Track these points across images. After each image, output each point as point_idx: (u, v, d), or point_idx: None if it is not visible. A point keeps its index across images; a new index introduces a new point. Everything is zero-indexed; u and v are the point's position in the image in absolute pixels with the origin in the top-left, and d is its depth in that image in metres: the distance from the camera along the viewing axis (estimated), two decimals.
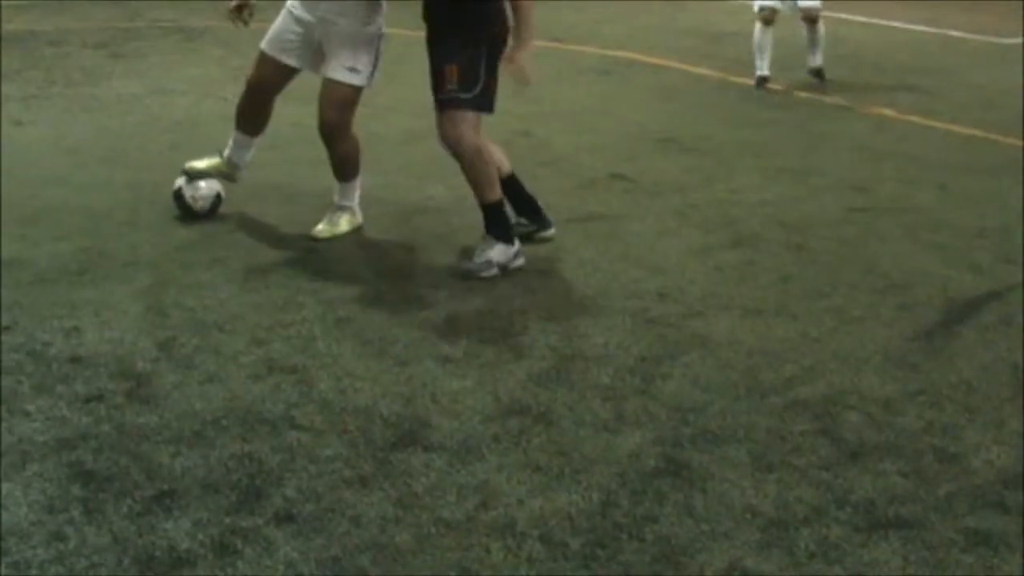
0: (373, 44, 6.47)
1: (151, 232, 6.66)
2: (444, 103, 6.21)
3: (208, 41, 11.86)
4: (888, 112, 10.21)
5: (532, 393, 4.89)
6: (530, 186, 6.84)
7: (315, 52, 6.52)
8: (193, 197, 6.80)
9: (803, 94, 10.88)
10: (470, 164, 6.28)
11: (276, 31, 6.58)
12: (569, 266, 6.35)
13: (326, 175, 6.78)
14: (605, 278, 6.21)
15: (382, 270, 6.25)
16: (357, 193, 6.82)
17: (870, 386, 5.07)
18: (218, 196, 6.84)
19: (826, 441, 4.58)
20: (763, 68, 11.40)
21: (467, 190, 6.44)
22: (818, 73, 11.62)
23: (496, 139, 8.74)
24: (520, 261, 6.30)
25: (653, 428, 4.64)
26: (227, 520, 3.94)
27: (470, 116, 6.20)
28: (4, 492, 4.05)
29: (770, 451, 4.49)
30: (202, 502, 4.04)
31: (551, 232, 6.75)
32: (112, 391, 4.78)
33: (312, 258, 6.38)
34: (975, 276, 6.43)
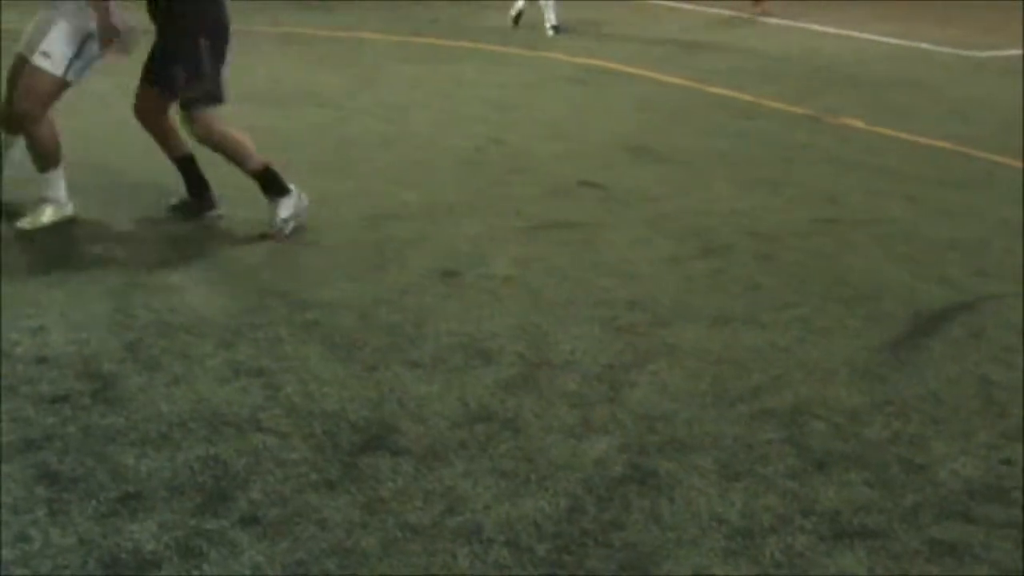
0: (73, 38, 6.50)
1: (120, 234, 6.64)
2: (183, 105, 6.68)
3: None
4: (859, 124, 10.26)
5: (500, 399, 4.89)
6: (498, 192, 6.84)
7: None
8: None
9: (775, 105, 10.91)
10: (224, 152, 6.77)
11: None
12: (539, 273, 6.35)
13: (302, 176, 6.78)
14: (575, 285, 6.21)
15: (351, 274, 6.23)
16: (62, 184, 6.73)
17: (837, 396, 5.08)
18: None
19: (793, 450, 4.59)
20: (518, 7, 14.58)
21: (441, 196, 6.45)
22: (556, 29, 14.28)
23: (470, 145, 8.83)
24: (306, 202, 6.80)
25: (620, 435, 4.64)
26: (192, 522, 3.92)
27: (208, 112, 6.67)
28: None
29: (737, 460, 4.50)
30: (167, 504, 4.01)
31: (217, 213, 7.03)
32: (78, 392, 4.75)
33: (280, 261, 6.37)
34: (944, 288, 6.46)
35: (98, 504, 4.00)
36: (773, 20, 16.28)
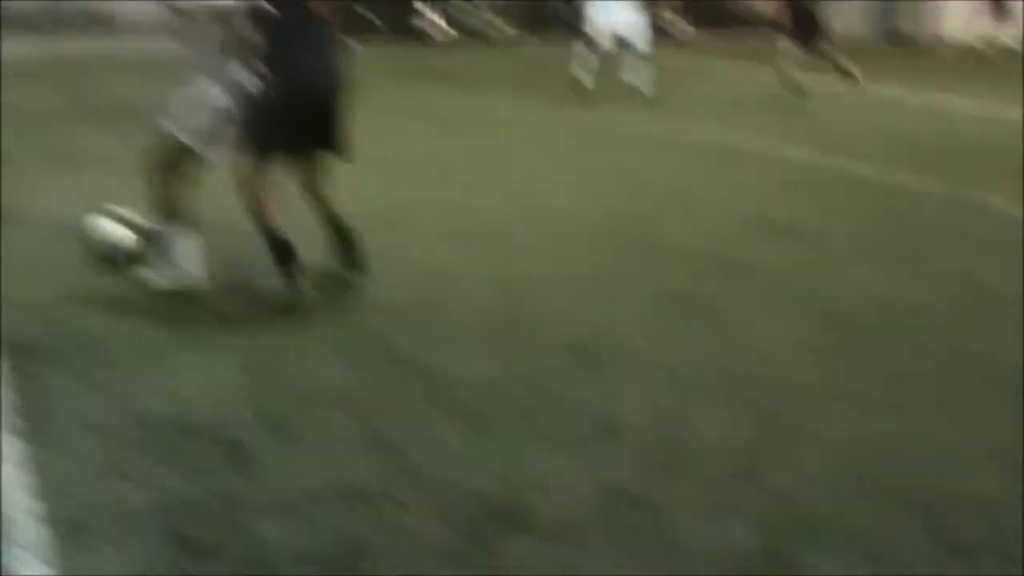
0: (199, 108, 6.71)
1: (252, 298, 6.72)
2: (237, 147, 6.78)
3: None
4: (1000, 202, 10.04)
5: (631, 477, 4.81)
6: (630, 266, 6.80)
7: None
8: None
9: (912, 181, 10.73)
10: (245, 204, 6.78)
11: None
12: (672, 350, 6.27)
13: (433, 247, 6.81)
14: (708, 363, 6.12)
15: (484, 346, 6.22)
16: (188, 251, 6.89)
17: (980, 484, 4.92)
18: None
19: (932, 537, 4.44)
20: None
21: (573, 269, 6.42)
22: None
23: (603, 219, 8.80)
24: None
25: (756, 519, 4.52)
26: None
27: (246, 159, 6.71)
28: (101, 555, 4.06)
29: (877, 546, 4.37)
30: (298, 574, 4.00)
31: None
32: (211, 458, 4.78)
33: (412, 331, 6.37)
34: None
35: (228, 572, 4.00)
36: (913, 96, 16.09)
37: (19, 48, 19.23)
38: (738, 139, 12.26)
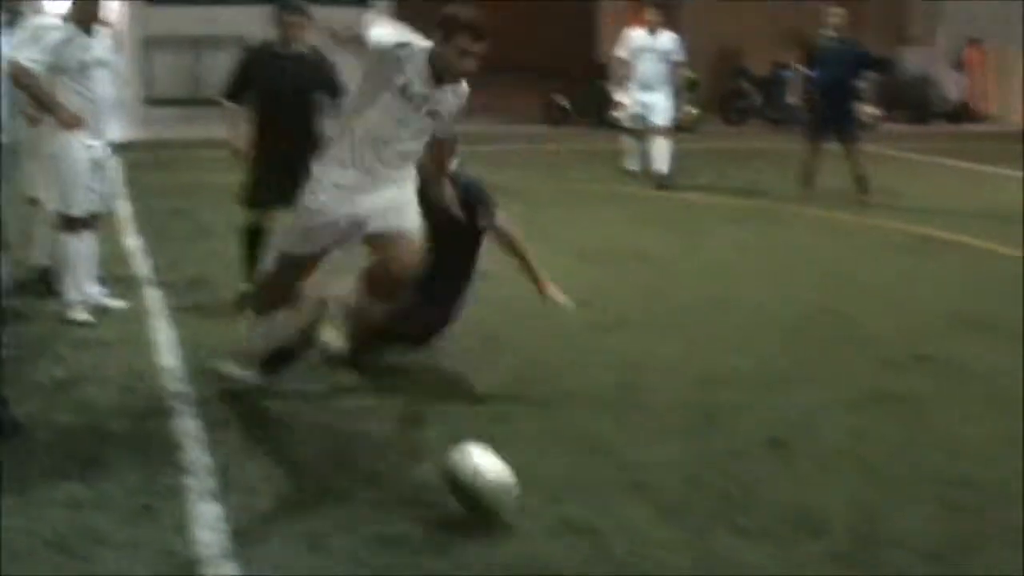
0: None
1: (449, 385, 6.88)
2: None
3: None
4: None
5: (829, 573, 4.78)
6: (827, 361, 6.77)
7: None
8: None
9: None
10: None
11: None
12: (870, 446, 6.20)
13: (629, 335, 6.81)
14: (907, 460, 6.04)
15: (679, 436, 6.23)
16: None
17: None
18: None
19: None
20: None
21: (770, 363, 6.42)
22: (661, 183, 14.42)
23: (800, 312, 8.74)
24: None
25: None
26: None
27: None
28: None
29: None
30: None
31: None
32: (414, 536, 4.93)
33: (608, 418, 6.42)
34: None
35: None
36: None
37: (161, 127, 19.02)
38: (951, 237, 12.03)
